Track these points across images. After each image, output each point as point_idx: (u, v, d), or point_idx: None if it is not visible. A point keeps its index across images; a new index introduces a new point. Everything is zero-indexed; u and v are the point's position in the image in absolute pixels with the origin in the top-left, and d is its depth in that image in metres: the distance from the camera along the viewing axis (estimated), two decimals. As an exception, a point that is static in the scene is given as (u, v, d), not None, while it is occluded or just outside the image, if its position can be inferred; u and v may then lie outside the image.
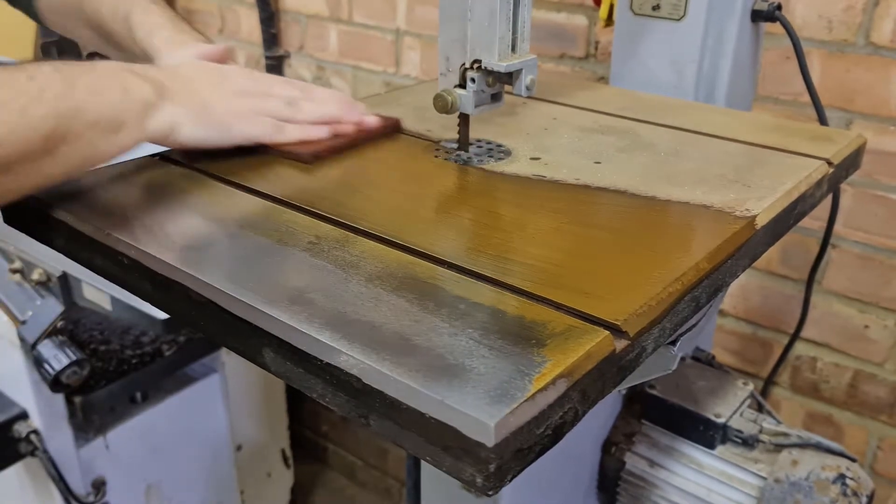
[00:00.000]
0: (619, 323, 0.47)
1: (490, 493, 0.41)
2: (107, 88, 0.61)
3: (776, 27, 0.96)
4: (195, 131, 0.67)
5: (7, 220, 0.69)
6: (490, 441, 0.39)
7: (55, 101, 0.56)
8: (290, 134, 0.74)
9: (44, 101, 0.56)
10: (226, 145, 0.71)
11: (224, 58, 0.78)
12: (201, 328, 0.54)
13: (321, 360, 0.45)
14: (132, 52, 0.81)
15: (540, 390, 0.42)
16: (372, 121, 0.80)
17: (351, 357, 0.44)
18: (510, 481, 0.42)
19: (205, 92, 0.69)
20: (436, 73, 0.74)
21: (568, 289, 0.51)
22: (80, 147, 0.59)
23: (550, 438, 0.44)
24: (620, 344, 0.47)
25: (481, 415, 0.40)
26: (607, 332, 0.47)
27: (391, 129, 0.82)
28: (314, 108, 0.77)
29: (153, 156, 0.74)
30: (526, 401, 0.41)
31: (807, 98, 1.00)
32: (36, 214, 0.66)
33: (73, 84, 0.59)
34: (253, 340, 0.50)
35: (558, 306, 0.49)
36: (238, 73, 0.75)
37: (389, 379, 0.43)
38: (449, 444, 0.41)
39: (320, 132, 0.75)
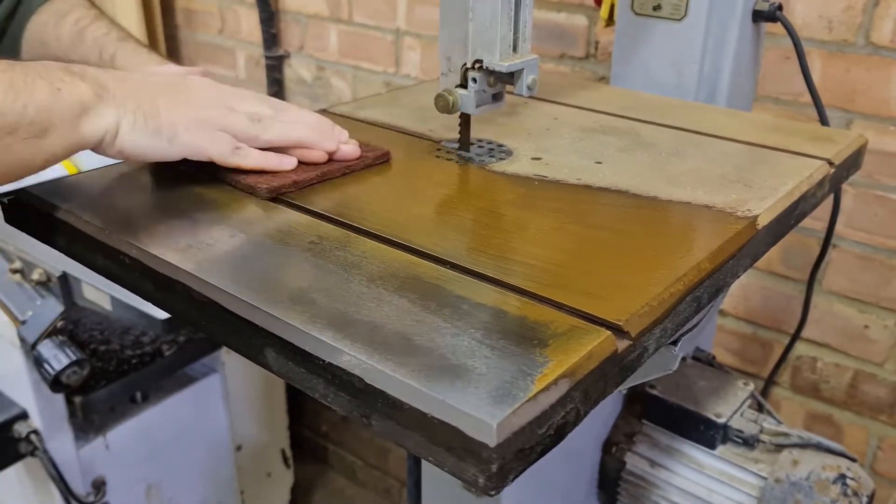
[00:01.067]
0: (620, 323, 0.47)
1: (492, 493, 0.41)
2: (32, 88, 0.55)
3: (776, 27, 0.96)
4: (139, 139, 0.60)
5: (8, 220, 0.69)
6: (492, 441, 0.39)
7: None
8: (250, 159, 0.65)
9: None
10: (172, 158, 0.63)
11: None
12: (203, 328, 0.54)
13: (323, 360, 0.45)
14: None
15: (542, 390, 0.42)
16: (349, 150, 0.70)
17: (353, 357, 0.44)
18: (512, 481, 0.42)
19: (153, 97, 0.62)
20: (436, 73, 0.74)
21: (570, 289, 0.51)
22: None
23: (552, 438, 0.44)
24: (622, 344, 0.47)
25: (484, 415, 0.40)
26: (609, 333, 0.47)
27: (377, 163, 0.73)
28: (283, 129, 0.67)
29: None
30: (528, 401, 0.41)
31: (807, 98, 1.00)
32: (38, 214, 0.65)
33: None
34: (255, 340, 0.50)
35: (560, 306, 0.49)
36: (201, 85, 0.67)
37: (392, 379, 0.43)
38: (451, 444, 0.41)
39: (284, 163, 0.67)
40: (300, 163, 0.69)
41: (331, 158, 0.70)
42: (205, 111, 0.64)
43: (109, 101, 0.59)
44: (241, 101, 0.67)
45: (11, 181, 0.57)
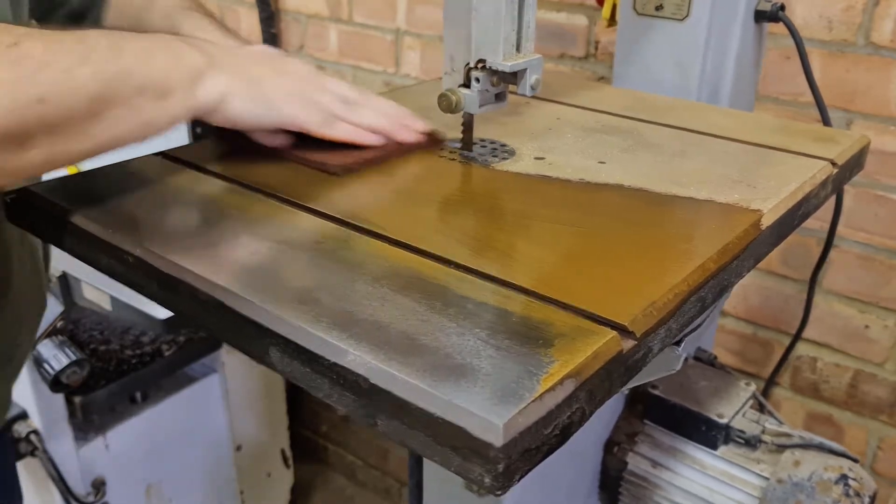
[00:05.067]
0: (626, 323, 0.47)
1: (498, 493, 0.41)
2: (156, 54, 0.60)
3: (777, 27, 0.96)
4: (245, 105, 0.65)
5: (11, 219, 0.69)
6: (499, 441, 0.39)
7: (102, 63, 0.56)
8: (340, 130, 0.71)
9: (90, 62, 0.55)
10: (269, 125, 0.68)
11: None
12: (207, 328, 0.54)
13: (328, 360, 0.45)
14: None
15: (548, 390, 0.42)
16: (417, 140, 0.76)
17: (358, 357, 0.44)
18: (518, 481, 0.42)
19: (258, 70, 0.67)
20: (436, 73, 0.74)
21: (575, 289, 0.51)
22: (127, 112, 0.57)
23: (558, 438, 0.44)
24: (627, 344, 0.47)
25: (490, 415, 0.40)
26: (615, 333, 0.47)
27: (431, 145, 0.77)
28: (370, 115, 0.73)
29: (158, 154, 0.74)
30: (534, 401, 0.41)
31: (807, 98, 1.00)
32: (41, 213, 0.65)
33: (122, 48, 0.58)
34: (260, 340, 0.49)
35: (565, 306, 0.49)
36: (294, 61, 0.72)
37: (397, 379, 0.43)
38: (457, 444, 0.41)
39: (372, 139, 0.72)
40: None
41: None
42: (301, 84, 0.69)
43: (220, 70, 0.63)
44: (330, 81, 0.73)
45: (140, 141, 0.61)
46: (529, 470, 0.42)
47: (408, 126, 0.75)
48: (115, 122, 0.57)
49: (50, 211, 0.64)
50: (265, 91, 0.66)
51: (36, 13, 0.87)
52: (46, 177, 0.70)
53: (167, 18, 0.81)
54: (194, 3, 0.84)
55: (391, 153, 0.73)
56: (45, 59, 0.53)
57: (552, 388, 0.42)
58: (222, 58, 0.65)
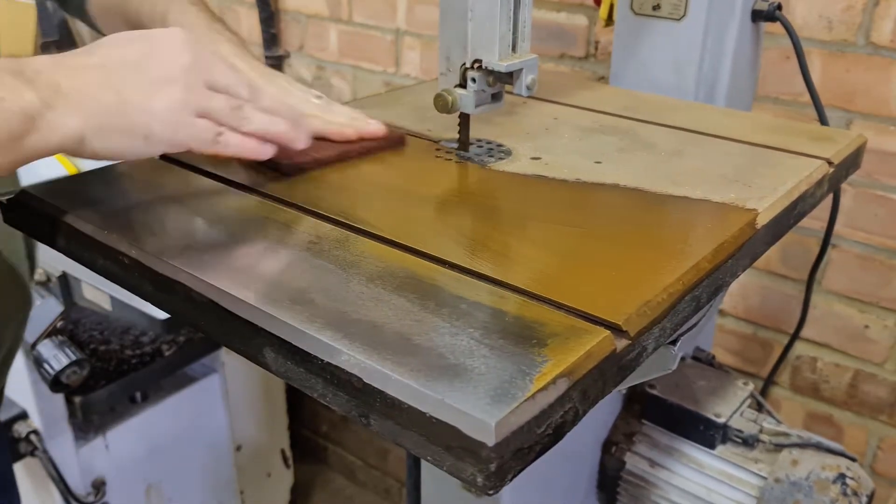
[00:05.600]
0: (619, 322, 0.47)
1: (491, 492, 0.41)
2: None
3: (776, 27, 0.96)
4: (109, 142, 0.55)
5: (7, 220, 0.69)
6: (491, 440, 0.39)
7: None
8: (230, 145, 0.60)
9: None
10: (150, 155, 0.59)
11: None
12: (202, 328, 0.54)
13: (322, 360, 0.45)
14: None
15: (540, 390, 0.42)
16: (374, 128, 0.74)
17: (352, 357, 0.44)
18: (511, 480, 0.42)
19: (121, 87, 0.55)
20: (436, 73, 0.74)
21: (568, 288, 0.51)
22: None
23: (551, 438, 0.44)
24: (621, 343, 0.47)
25: (482, 414, 0.40)
26: (608, 332, 0.47)
27: (393, 146, 0.77)
28: (263, 122, 0.62)
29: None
30: (526, 400, 0.41)
31: (806, 98, 1.00)
32: (37, 214, 0.66)
33: None
34: (254, 340, 0.50)
35: (559, 306, 0.49)
36: (172, 48, 0.58)
37: (390, 378, 0.43)
38: (450, 443, 0.41)
39: (263, 152, 0.62)
40: (318, 139, 0.71)
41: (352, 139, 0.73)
42: (178, 91, 0.57)
43: (61, 108, 0.52)
44: (216, 68, 0.60)
45: None
46: (522, 469, 0.42)
47: (302, 129, 0.65)
48: None
49: (46, 212, 0.64)
50: (130, 118, 0.55)
51: None
52: (44, 177, 0.71)
53: (152, 3, 0.78)
54: None
55: (350, 151, 0.73)
56: None
57: (545, 388, 0.42)
58: (70, 86, 0.53)
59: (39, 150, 0.52)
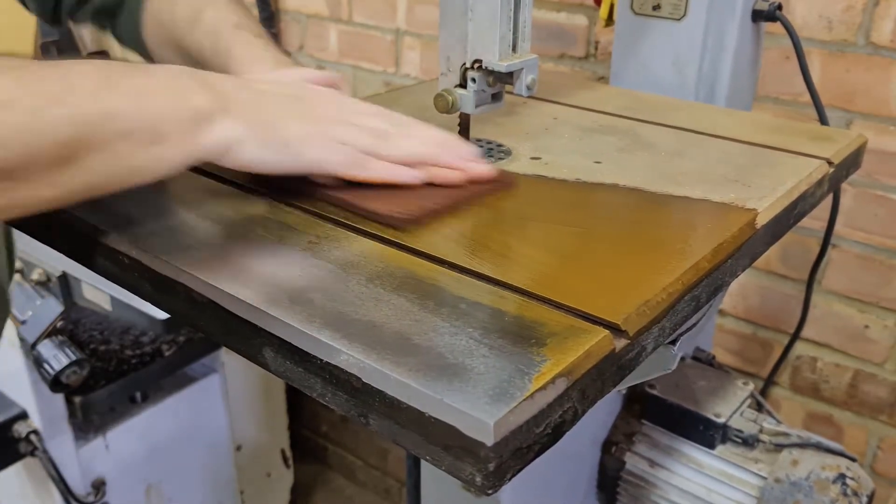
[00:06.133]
0: (618, 322, 0.47)
1: (490, 491, 0.41)
2: (154, 94, 0.54)
3: (776, 27, 0.96)
4: (258, 151, 0.58)
5: (7, 221, 0.69)
6: (489, 440, 0.39)
7: (81, 104, 0.50)
8: (372, 170, 0.62)
9: (65, 103, 0.49)
10: (294, 172, 0.61)
11: (330, 84, 0.70)
12: (201, 328, 0.54)
13: (321, 360, 0.45)
14: None
15: (539, 389, 0.42)
16: (481, 170, 0.66)
17: (351, 356, 0.44)
18: (509, 480, 0.42)
19: (277, 108, 0.60)
20: (436, 73, 0.74)
21: (568, 288, 0.51)
22: (108, 158, 0.51)
23: (550, 437, 0.44)
24: (620, 343, 0.47)
25: (481, 414, 0.40)
26: (607, 332, 0.47)
27: (505, 187, 0.68)
28: (407, 145, 0.65)
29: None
30: (525, 400, 0.41)
31: (806, 98, 1.00)
32: (36, 214, 0.65)
33: (113, 86, 0.52)
34: (253, 340, 0.50)
35: (558, 305, 0.49)
36: (321, 96, 0.65)
37: (389, 378, 0.43)
38: (448, 443, 0.41)
39: (409, 175, 0.64)
40: (429, 185, 0.65)
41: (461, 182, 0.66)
42: (325, 123, 0.62)
43: (230, 113, 0.56)
44: (362, 116, 0.65)
45: (130, 186, 0.55)
46: (521, 469, 0.42)
47: (453, 152, 0.67)
48: (92, 168, 0.51)
49: (46, 212, 0.64)
50: (282, 134, 0.59)
51: (66, 8, 0.85)
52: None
53: (214, 35, 0.75)
54: (244, 18, 0.77)
55: (462, 198, 0.64)
56: (11, 98, 0.48)
57: (544, 387, 0.42)
58: (236, 97, 0.58)
59: (204, 147, 0.56)
